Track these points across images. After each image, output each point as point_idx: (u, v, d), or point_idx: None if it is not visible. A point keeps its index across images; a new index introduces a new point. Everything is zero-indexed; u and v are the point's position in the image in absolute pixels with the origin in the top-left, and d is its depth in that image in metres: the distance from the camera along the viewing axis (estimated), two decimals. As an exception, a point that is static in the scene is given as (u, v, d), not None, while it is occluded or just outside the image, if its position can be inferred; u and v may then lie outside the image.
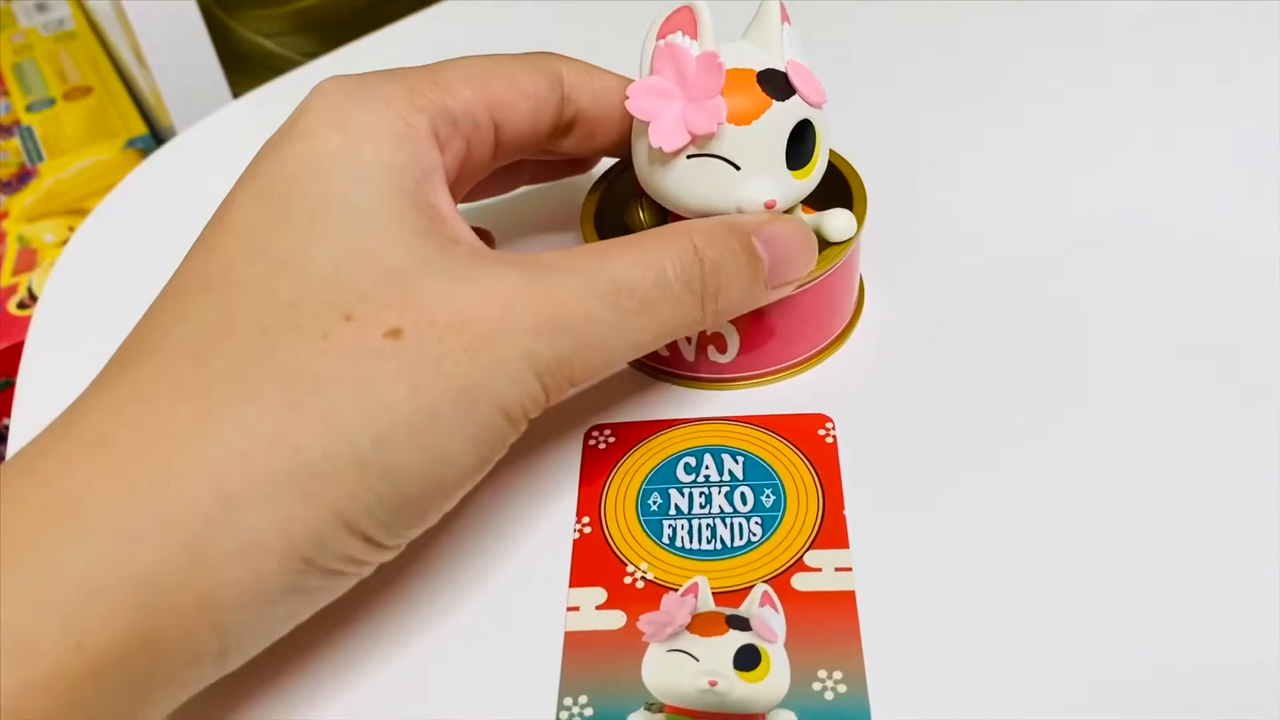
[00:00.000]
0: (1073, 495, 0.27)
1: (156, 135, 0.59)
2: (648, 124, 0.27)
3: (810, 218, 0.29)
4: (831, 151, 0.33)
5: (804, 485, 0.28)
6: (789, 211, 0.28)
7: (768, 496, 0.28)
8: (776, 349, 0.30)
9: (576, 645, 0.25)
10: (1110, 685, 0.24)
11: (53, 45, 0.67)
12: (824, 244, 0.29)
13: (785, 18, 0.27)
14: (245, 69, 0.57)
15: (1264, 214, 0.34)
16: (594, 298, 0.24)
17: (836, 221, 0.29)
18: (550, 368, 0.23)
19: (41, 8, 0.71)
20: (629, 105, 0.27)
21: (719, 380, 0.31)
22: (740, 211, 0.27)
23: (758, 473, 0.28)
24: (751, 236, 0.27)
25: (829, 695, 0.23)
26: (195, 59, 0.54)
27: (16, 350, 0.48)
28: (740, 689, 0.24)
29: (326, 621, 0.26)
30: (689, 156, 0.27)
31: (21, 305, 0.49)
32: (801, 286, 0.29)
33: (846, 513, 0.27)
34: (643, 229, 0.29)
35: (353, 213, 0.23)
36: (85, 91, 0.63)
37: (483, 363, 0.22)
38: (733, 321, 0.29)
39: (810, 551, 0.26)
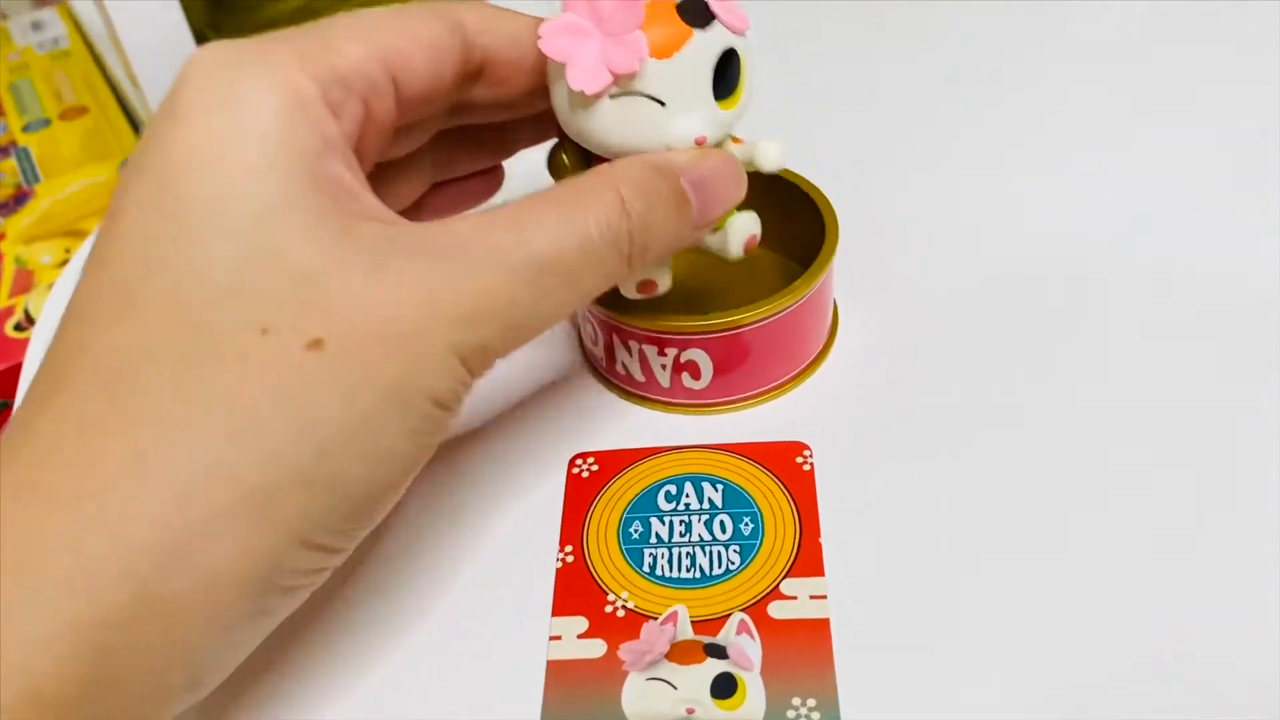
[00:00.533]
0: (1050, 521, 0.28)
1: (151, 155, 0.60)
2: (564, 65, 0.26)
3: (739, 149, 0.28)
4: (802, 178, 0.33)
5: (781, 513, 0.29)
6: (718, 145, 0.27)
7: (746, 525, 0.28)
8: (750, 375, 0.31)
9: (558, 674, 0.26)
10: (1085, 715, 0.24)
11: (49, 65, 0.68)
12: (754, 174, 0.28)
13: None
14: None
15: (1250, 235, 0.35)
16: (516, 281, 0.23)
17: (768, 150, 0.27)
18: (475, 353, 0.23)
19: (37, 26, 0.71)
20: (542, 46, 0.26)
21: (695, 405, 0.32)
22: (669, 150, 0.26)
23: (737, 501, 0.29)
24: (680, 179, 0.26)
25: (803, 716, 0.24)
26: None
27: (14, 372, 0.48)
28: (717, 717, 0.24)
29: (306, 651, 0.27)
30: (611, 97, 0.26)
31: (18, 327, 0.50)
32: (775, 315, 0.30)
33: (822, 540, 0.28)
34: (569, 174, 0.29)
35: (249, 209, 0.21)
36: (81, 111, 0.63)
37: (409, 361, 0.22)
38: (705, 348, 0.30)
39: (786, 579, 0.27)
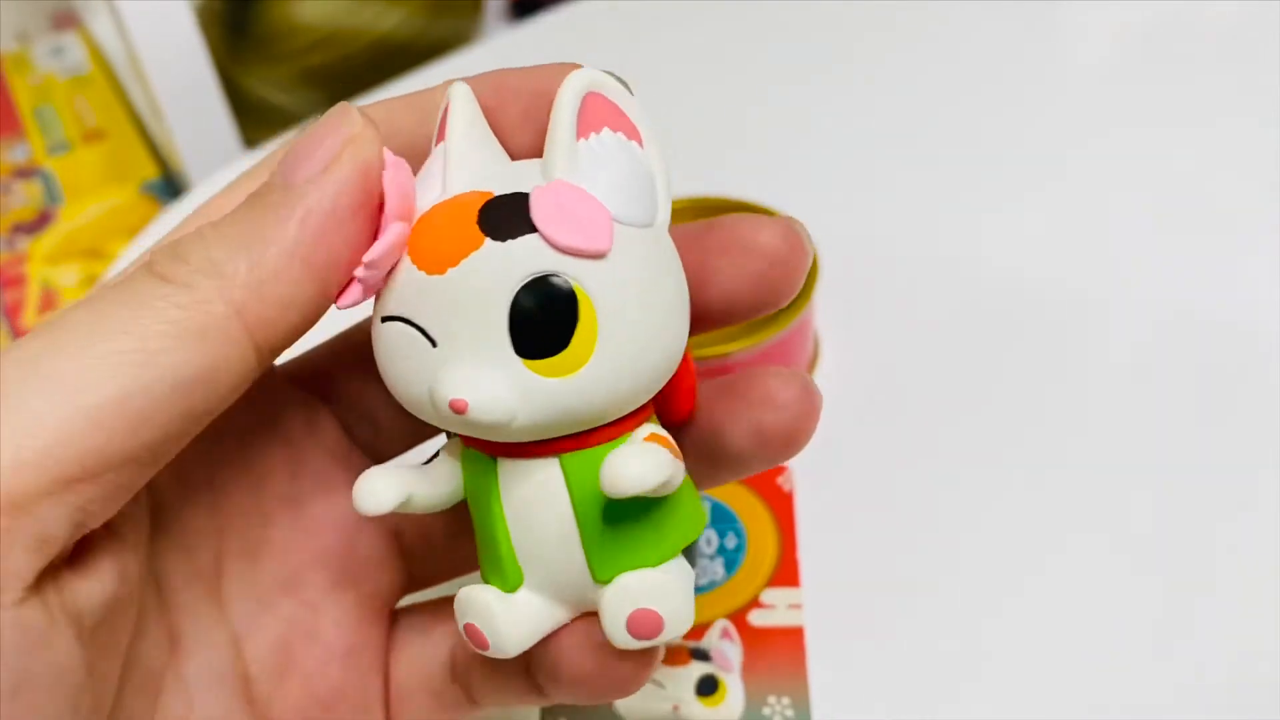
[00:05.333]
0: (1021, 543, 0.30)
1: (170, 179, 0.62)
2: None
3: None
4: (780, 211, 0.35)
5: (763, 530, 0.31)
6: (542, 431, 0.18)
7: (731, 539, 0.31)
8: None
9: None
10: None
11: (70, 89, 0.70)
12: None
13: (608, 118, 0.18)
14: (255, 119, 0.60)
15: (1234, 267, 0.37)
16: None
17: (619, 467, 0.17)
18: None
19: (58, 52, 0.74)
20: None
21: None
22: (435, 407, 0.17)
23: (723, 518, 0.32)
24: None
25: (777, 719, 0.27)
26: (207, 110, 0.58)
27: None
28: (700, 713, 0.27)
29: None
30: (382, 320, 0.18)
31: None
32: (760, 345, 0.32)
33: (800, 555, 0.30)
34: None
35: None
36: (101, 135, 0.66)
37: None
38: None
39: (766, 590, 0.30)
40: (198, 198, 0.50)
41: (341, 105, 0.19)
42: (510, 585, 0.19)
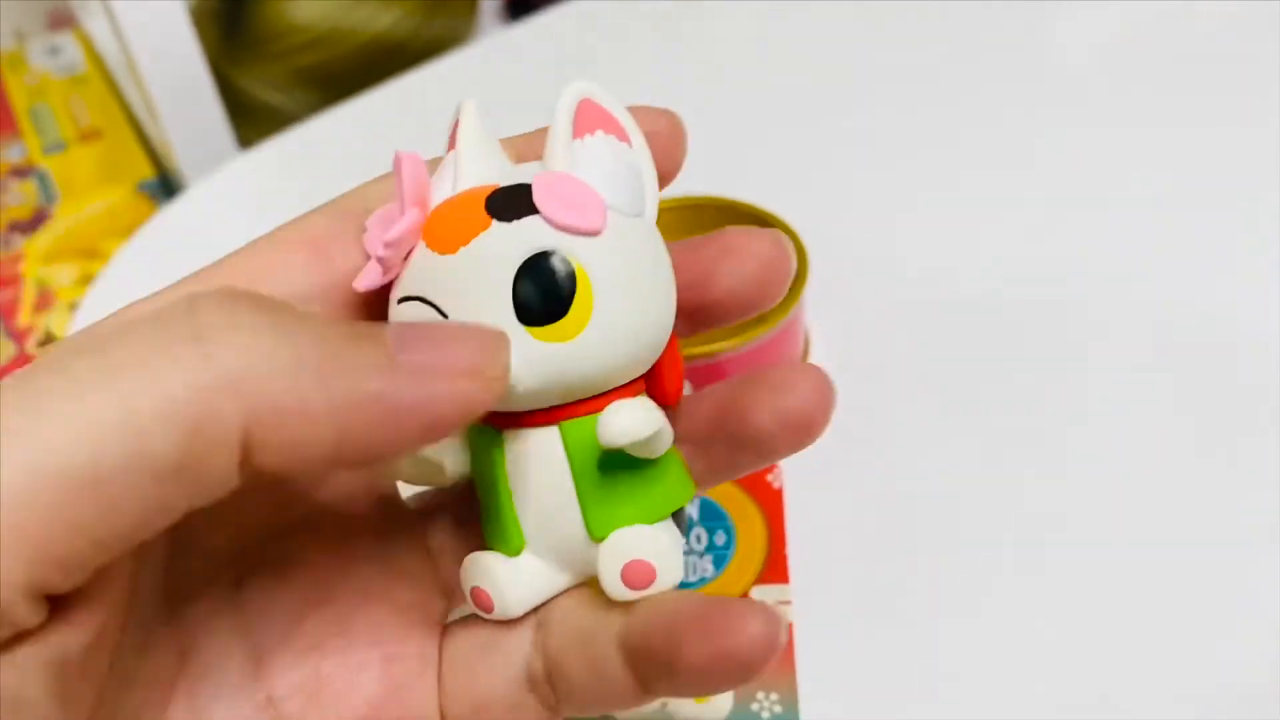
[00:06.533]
0: (1008, 541, 0.31)
1: (165, 178, 0.63)
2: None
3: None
4: (770, 212, 0.35)
5: (752, 527, 0.31)
6: (542, 395, 0.19)
7: (720, 536, 0.31)
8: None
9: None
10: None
11: (66, 89, 0.70)
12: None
13: (600, 121, 0.20)
14: (250, 119, 0.60)
15: (1219, 272, 0.38)
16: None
17: (612, 420, 0.19)
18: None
19: (54, 51, 0.74)
20: (365, 242, 0.20)
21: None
22: None
23: (712, 515, 0.32)
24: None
25: (765, 715, 0.27)
26: (202, 110, 0.58)
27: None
28: (689, 709, 0.27)
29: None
30: (398, 301, 0.20)
31: (41, 344, 0.53)
32: (750, 344, 0.33)
33: (788, 552, 0.31)
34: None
35: None
36: (96, 135, 0.66)
37: None
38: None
39: (756, 586, 0.30)
40: (193, 197, 0.50)
41: (502, 336, 0.18)
42: (513, 549, 0.20)
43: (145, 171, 0.63)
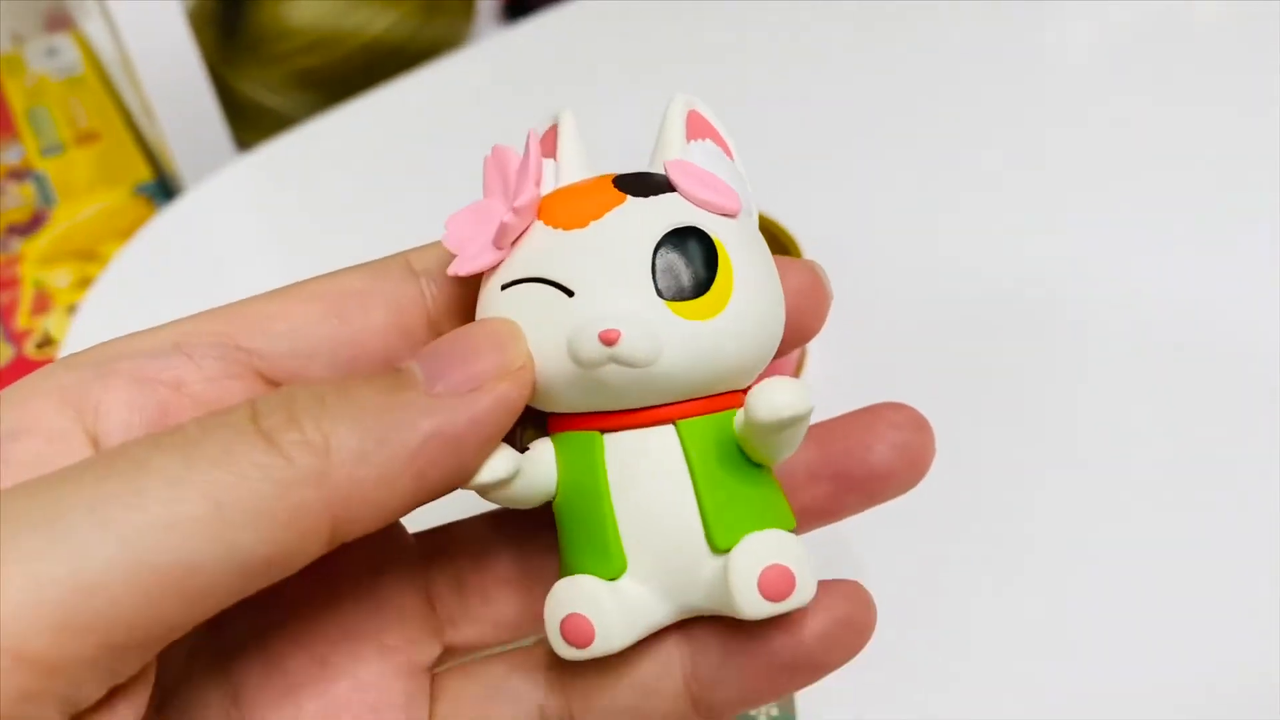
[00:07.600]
0: (1007, 543, 0.31)
1: (163, 181, 0.63)
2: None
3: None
4: (768, 218, 0.35)
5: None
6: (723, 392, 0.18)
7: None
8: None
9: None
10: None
11: (64, 91, 0.70)
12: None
13: (706, 131, 0.20)
14: (248, 121, 0.60)
15: (1219, 272, 0.38)
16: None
17: (766, 397, 0.17)
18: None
19: (51, 53, 0.74)
20: (445, 240, 0.19)
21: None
22: (574, 354, 0.17)
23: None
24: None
25: (763, 717, 0.27)
26: (200, 112, 0.58)
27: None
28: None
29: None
30: (503, 287, 0.18)
31: (39, 346, 0.53)
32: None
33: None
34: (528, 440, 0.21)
35: None
36: (94, 137, 0.66)
37: None
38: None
39: (753, 589, 0.30)
40: (191, 199, 0.50)
41: (512, 326, 0.18)
42: (614, 570, 0.18)
43: (143, 174, 0.63)
